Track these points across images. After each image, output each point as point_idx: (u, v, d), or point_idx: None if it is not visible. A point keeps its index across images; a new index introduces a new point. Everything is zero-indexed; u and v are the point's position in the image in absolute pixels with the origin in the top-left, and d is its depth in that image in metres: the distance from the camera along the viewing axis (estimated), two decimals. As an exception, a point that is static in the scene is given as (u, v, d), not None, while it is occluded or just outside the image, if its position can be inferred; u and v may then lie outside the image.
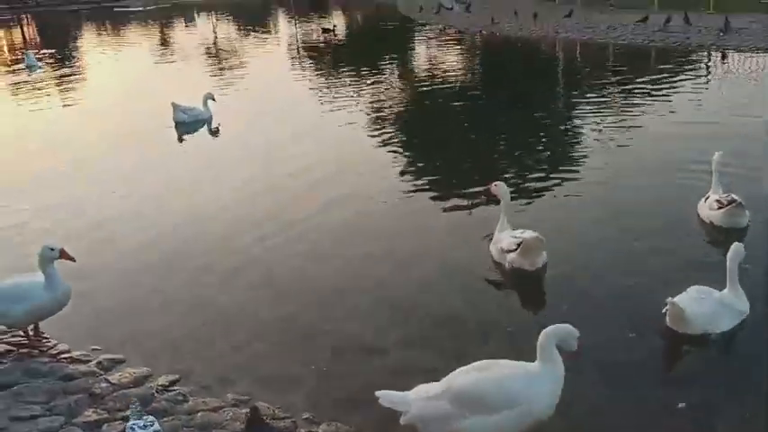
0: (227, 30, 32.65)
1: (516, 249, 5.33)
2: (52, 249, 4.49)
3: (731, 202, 5.81)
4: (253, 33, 29.84)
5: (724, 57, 15.20)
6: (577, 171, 8.03)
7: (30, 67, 18.89)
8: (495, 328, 4.68)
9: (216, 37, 28.95)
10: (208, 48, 24.39)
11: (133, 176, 8.77)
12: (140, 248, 6.43)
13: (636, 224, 6.19)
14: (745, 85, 12.61)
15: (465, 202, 7.09)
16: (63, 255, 4.52)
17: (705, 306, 4.40)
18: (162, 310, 5.22)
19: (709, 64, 15.06)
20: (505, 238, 5.51)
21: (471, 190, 7.27)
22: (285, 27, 33.70)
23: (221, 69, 18.27)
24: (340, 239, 6.39)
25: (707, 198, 6.15)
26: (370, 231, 6.61)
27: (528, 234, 5.35)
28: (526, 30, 21.53)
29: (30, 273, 4.67)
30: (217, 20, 37.41)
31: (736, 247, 4.55)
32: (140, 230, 6.84)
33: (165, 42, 27.59)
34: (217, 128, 11.23)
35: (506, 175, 7.65)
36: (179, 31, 33.22)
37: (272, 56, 21.72)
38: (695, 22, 18.35)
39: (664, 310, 4.45)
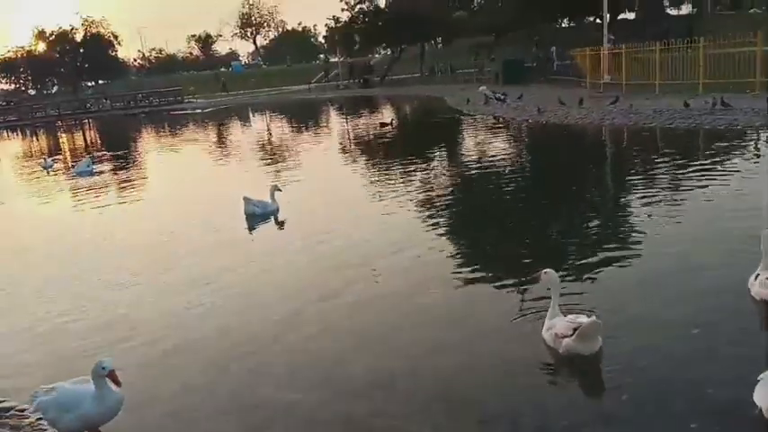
0: (280, 127, 34.40)
1: (572, 335, 5.40)
2: (103, 368, 4.66)
3: None
4: (306, 130, 31.38)
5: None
6: (628, 254, 8.06)
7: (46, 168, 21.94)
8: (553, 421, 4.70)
9: (270, 135, 30.52)
10: (263, 145, 25.77)
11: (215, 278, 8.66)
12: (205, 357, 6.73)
13: (692, 310, 6.14)
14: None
15: (516, 289, 7.20)
16: (111, 376, 4.66)
17: None
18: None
19: (758, 144, 15.02)
20: (559, 323, 5.60)
21: (520, 277, 7.38)
22: (337, 123, 35.35)
23: (277, 165, 19.19)
24: (391, 328, 6.59)
25: (757, 276, 6.14)
26: (421, 321, 6.74)
27: (584, 319, 5.45)
28: (572, 118, 22.01)
29: (86, 377, 4.85)
30: (270, 119, 39.49)
31: None
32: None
33: (221, 141, 29.27)
34: (283, 221, 11.65)
35: (556, 259, 7.77)
36: (235, 130, 35.15)
37: (327, 151, 22.79)
38: (737, 104, 18.41)
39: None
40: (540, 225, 10.12)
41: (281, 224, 11.56)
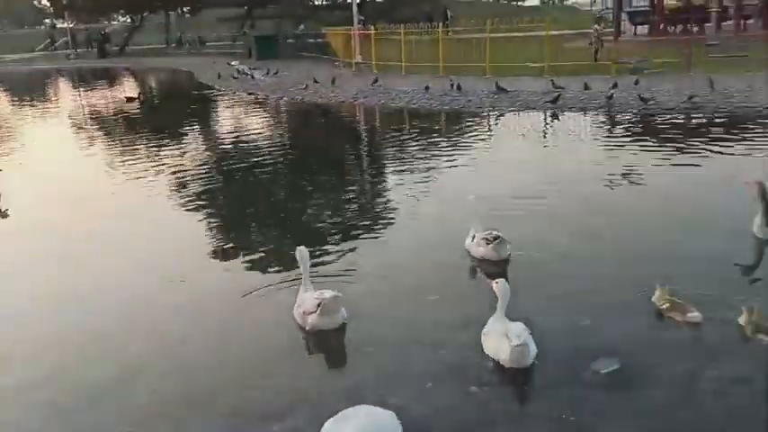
0: None
1: (316, 311, 5.49)
2: None
3: (496, 237, 6.76)
4: (33, 106, 27.59)
5: (500, 116, 17.12)
6: (378, 230, 8.43)
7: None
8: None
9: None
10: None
11: None
12: None
13: (426, 279, 6.60)
14: (516, 137, 14.53)
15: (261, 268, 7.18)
16: None
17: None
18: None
19: (490, 122, 16.74)
20: (307, 300, 5.65)
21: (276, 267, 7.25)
22: (71, 97, 31.66)
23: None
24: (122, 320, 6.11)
25: (473, 237, 6.97)
26: (171, 311, 6.30)
27: (327, 294, 5.53)
28: (326, 96, 22.43)
29: None
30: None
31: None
32: None
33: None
34: (5, 211, 10.01)
35: (312, 238, 7.79)
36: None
37: (61, 129, 20.26)
38: (472, 86, 20.31)
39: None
40: (298, 204, 10.05)
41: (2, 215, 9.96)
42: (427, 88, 20.58)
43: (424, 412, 4.37)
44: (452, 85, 20.42)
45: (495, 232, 6.81)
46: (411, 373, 4.85)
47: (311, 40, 39.80)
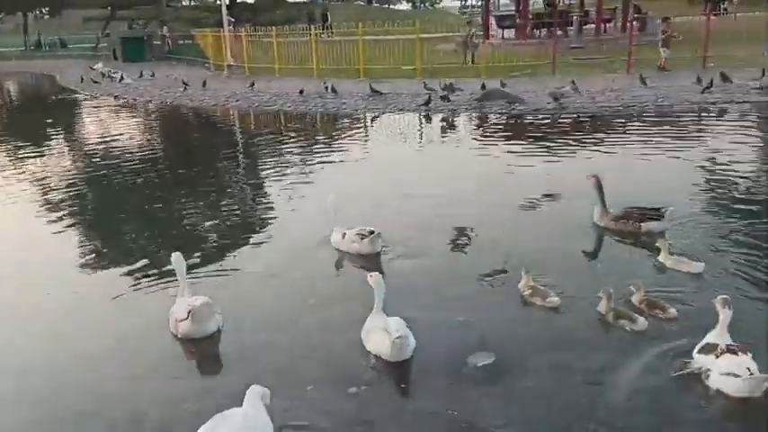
0: None
1: (187, 318, 5.33)
2: None
3: (371, 232, 7.00)
4: None
5: (375, 118, 17.26)
6: (255, 235, 8.20)
7: None
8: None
9: None
10: None
11: None
12: None
13: (304, 281, 6.55)
14: (390, 139, 14.74)
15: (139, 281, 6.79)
16: None
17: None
18: None
19: (366, 124, 16.81)
20: (178, 306, 5.48)
21: (154, 269, 6.96)
22: None
23: None
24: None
25: (344, 235, 7.13)
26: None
27: (198, 301, 5.39)
28: (197, 99, 21.66)
29: None
30: None
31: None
32: None
33: None
34: None
35: (189, 245, 7.46)
36: None
37: None
38: (347, 89, 20.33)
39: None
40: (173, 209, 9.63)
41: None
42: (302, 91, 20.37)
43: (304, 414, 4.30)
44: (327, 88, 20.35)
45: (368, 228, 7.01)
46: (290, 378, 4.75)
47: (181, 42, 38.33)
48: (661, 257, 6.40)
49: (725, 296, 4.73)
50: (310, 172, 11.44)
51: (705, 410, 4.23)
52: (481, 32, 30.26)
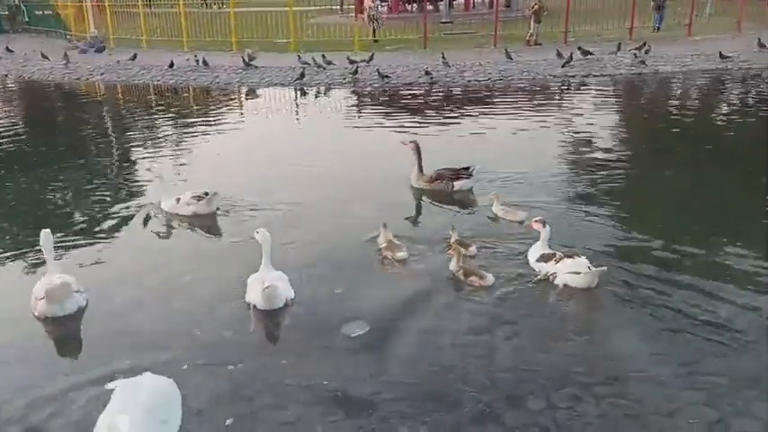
0: None
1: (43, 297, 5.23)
2: None
3: (206, 193, 7.46)
4: None
5: (250, 92, 16.98)
6: (125, 207, 8.03)
7: None
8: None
9: None
10: None
11: None
12: None
13: (179, 259, 6.51)
14: (264, 112, 14.55)
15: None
16: None
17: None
18: None
19: (240, 98, 16.50)
20: (39, 286, 5.34)
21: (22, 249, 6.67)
22: None
23: None
24: None
25: (178, 199, 7.46)
26: None
27: (57, 280, 5.30)
28: (59, 73, 20.27)
29: None
30: None
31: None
32: None
33: None
34: None
35: (50, 224, 7.03)
36: None
37: None
38: (219, 62, 19.77)
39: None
40: (36, 190, 9.04)
41: None
42: (172, 64, 19.58)
43: (188, 389, 4.24)
44: (198, 61, 19.69)
45: (205, 189, 7.47)
46: (162, 359, 4.66)
47: (39, 12, 35.42)
48: (494, 208, 7.21)
49: (540, 217, 6.14)
50: (183, 149, 11.12)
51: (561, 303, 5.36)
52: (384, 8, 30.36)
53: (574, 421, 3.93)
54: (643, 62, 17.95)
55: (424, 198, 8.06)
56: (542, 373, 4.39)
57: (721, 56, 17.98)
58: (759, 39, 19.30)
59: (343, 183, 8.74)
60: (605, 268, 5.55)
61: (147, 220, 7.53)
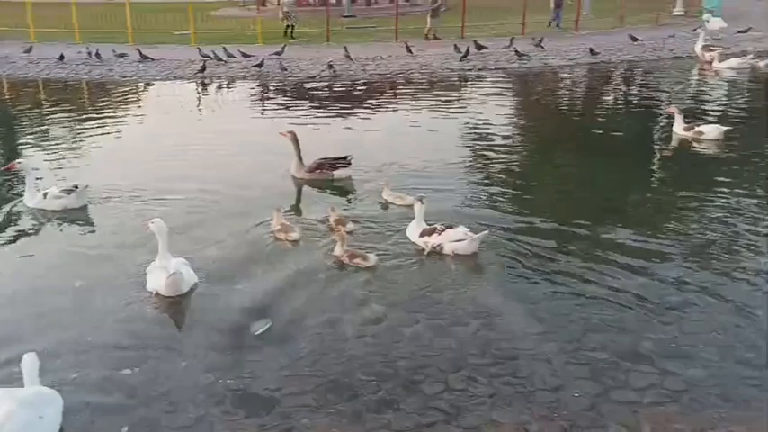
0: None
1: None
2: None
3: (76, 186, 7.35)
4: None
5: (148, 85, 16.38)
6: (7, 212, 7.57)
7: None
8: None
9: None
10: None
11: None
12: None
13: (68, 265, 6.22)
14: (163, 106, 14.10)
15: None
16: None
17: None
18: None
19: (139, 93, 15.87)
20: None
21: None
22: None
23: None
24: None
25: (45, 194, 7.33)
26: None
27: None
28: None
29: None
30: None
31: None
32: None
33: None
34: None
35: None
36: None
37: None
38: (114, 55, 18.94)
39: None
40: None
41: None
42: (62, 57, 18.52)
43: (75, 398, 4.12)
44: (90, 54, 18.73)
45: (72, 183, 7.40)
46: (55, 366, 4.47)
47: None
48: (384, 194, 7.48)
49: (420, 195, 6.55)
50: (76, 148, 10.59)
51: (454, 270, 5.82)
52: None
53: (468, 402, 4.10)
54: (525, 55, 18.63)
55: (308, 187, 8.24)
56: (439, 357, 4.56)
57: (591, 52, 18.92)
58: (631, 34, 20.83)
59: (235, 173, 8.75)
60: (487, 232, 6.10)
61: (14, 219, 7.22)
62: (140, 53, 18.42)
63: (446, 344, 4.72)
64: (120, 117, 12.87)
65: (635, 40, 20.58)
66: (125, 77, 17.07)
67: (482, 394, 4.17)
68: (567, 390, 4.19)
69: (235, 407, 4.13)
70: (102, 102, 14.66)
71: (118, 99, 14.95)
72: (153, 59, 18.28)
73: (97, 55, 18.59)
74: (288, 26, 22.87)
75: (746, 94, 14.45)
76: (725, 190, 7.83)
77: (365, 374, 4.41)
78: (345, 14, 27.66)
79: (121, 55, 18.77)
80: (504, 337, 4.81)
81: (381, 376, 4.38)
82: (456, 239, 6.03)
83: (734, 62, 16.86)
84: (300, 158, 8.37)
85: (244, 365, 4.53)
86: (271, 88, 16.01)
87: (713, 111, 12.42)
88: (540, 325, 4.92)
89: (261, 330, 4.94)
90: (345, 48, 18.55)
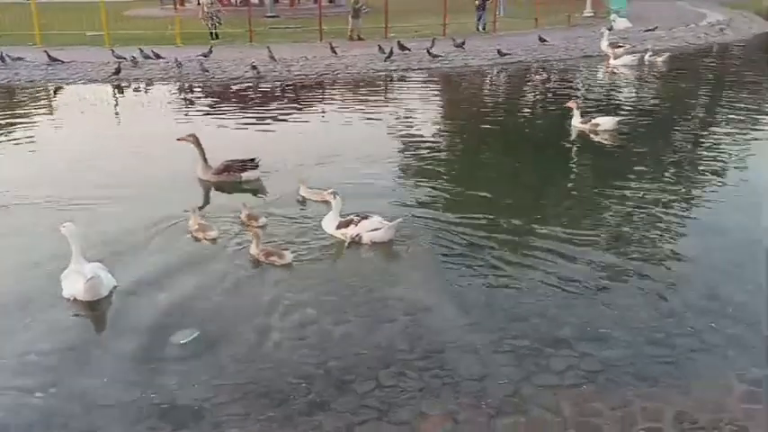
0: None
1: None
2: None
3: None
4: None
5: (58, 89, 15.67)
6: None
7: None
8: None
9: None
10: None
11: None
12: None
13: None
14: (75, 111, 13.64)
15: None
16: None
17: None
18: None
19: (45, 97, 15.14)
20: None
21: None
22: None
23: None
24: None
25: None
26: None
27: None
28: None
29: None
30: None
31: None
32: None
33: None
34: None
35: None
36: None
37: None
38: (20, 57, 18.00)
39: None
40: None
41: None
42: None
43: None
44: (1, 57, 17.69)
45: None
46: None
47: None
48: (301, 191, 7.60)
49: (333, 190, 6.58)
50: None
51: (373, 259, 6.07)
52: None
53: (398, 397, 4.15)
54: (440, 56, 18.94)
55: (217, 189, 8.21)
56: (369, 355, 4.59)
57: (500, 53, 19.43)
58: (539, 35, 21.72)
59: (149, 176, 8.61)
60: (401, 219, 6.37)
61: None
62: (48, 55, 17.55)
63: (376, 341, 4.75)
64: (28, 123, 12.24)
65: (543, 41, 21.40)
66: (32, 81, 16.24)
67: (412, 389, 4.22)
68: (493, 378, 4.31)
69: (161, 422, 3.99)
70: (9, 108, 13.89)
71: (25, 104, 14.21)
72: (63, 62, 17.47)
73: (1, 58, 17.58)
74: (212, 25, 22.10)
75: (643, 88, 15.61)
76: (632, 176, 8.40)
77: (295, 378, 4.37)
78: (268, 14, 27.36)
79: (18, 59, 17.74)
80: (432, 330, 4.89)
81: (312, 379, 4.36)
82: (372, 228, 6.26)
83: (627, 59, 18.34)
84: (206, 160, 8.29)
85: (169, 378, 4.38)
86: (191, 91, 15.62)
87: (611, 103, 13.45)
88: (468, 316, 5.03)
89: (186, 340, 4.81)
90: (269, 48, 18.34)
